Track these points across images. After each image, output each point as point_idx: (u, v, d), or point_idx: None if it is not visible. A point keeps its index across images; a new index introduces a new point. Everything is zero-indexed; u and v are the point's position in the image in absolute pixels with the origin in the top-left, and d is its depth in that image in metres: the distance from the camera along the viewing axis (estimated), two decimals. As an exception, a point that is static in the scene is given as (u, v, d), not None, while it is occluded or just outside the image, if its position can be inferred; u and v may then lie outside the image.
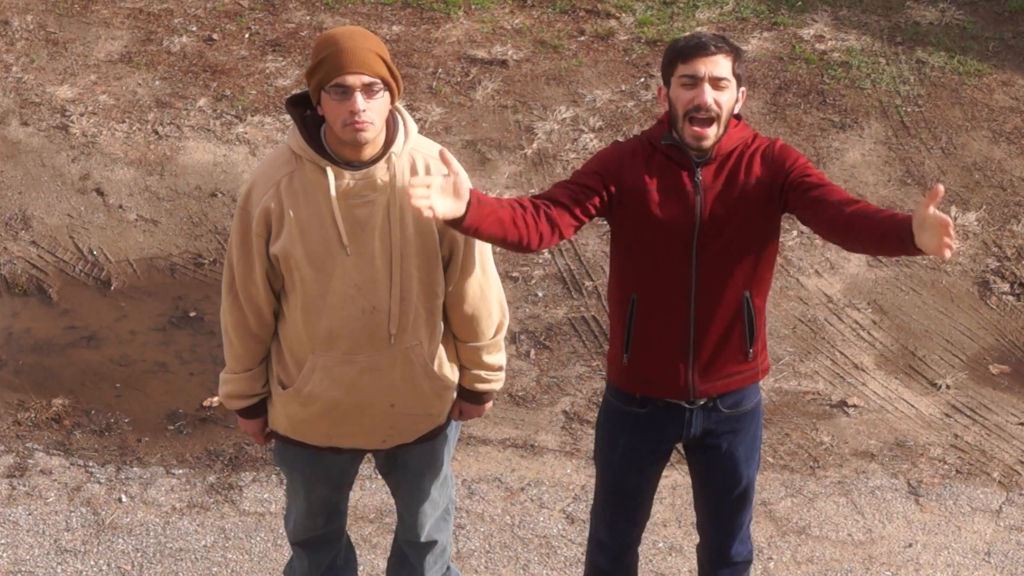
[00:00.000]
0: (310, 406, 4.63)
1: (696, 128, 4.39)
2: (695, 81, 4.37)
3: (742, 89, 4.48)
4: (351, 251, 4.42)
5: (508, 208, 4.32)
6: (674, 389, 4.64)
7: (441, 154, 4.21)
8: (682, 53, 4.40)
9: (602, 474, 4.89)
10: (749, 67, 9.16)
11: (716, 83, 4.37)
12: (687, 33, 4.47)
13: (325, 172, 4.37)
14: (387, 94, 4.33)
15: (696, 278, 4.51)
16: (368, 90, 4.27)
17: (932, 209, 3.99)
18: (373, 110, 4.29)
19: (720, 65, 4.37)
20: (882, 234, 4.18)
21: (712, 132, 4.40)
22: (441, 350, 4.66)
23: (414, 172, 4.44)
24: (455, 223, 4.20)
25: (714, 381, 4.64)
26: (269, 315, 4.58)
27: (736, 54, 4.43)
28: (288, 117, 6.88)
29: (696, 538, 5.12)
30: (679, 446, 4.85)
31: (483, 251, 4.59)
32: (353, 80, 4.25)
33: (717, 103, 4.38)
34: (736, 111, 4.49)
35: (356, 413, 4.64)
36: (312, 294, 4.48)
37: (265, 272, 4.50)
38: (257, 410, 4.75)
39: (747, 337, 4.61)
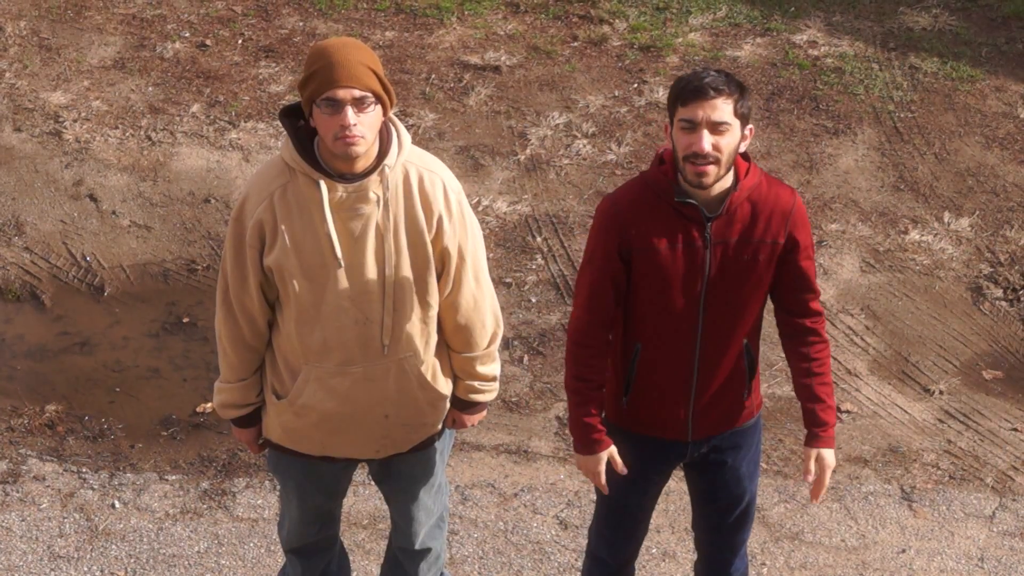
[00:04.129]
0: (304, 416, 4.62)
1: (697, 167, 4.30)
2: (693, 126, 4.28)
3: (749, 127, 4.38)
4: (344, 263, 4.42)
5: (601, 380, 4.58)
6: (671, 431, 4.64)
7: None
8: (681, 96, 4.30)
9: (603, 493, 4.86)
10: (742, 73, 9.16)
11: (715, 128, 4.27)
12: (695, 71, 4.42)
13: (318, 185, 4.36)
14: (379, 107, 4.31)
15: (703, 330, 4.49)
16: (359, 104, 4.26)
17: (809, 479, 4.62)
18: (364, 124, 4.27)
19: (719, 109, 4.26)
20: (797, 390, 4.64)
21: (713, 171, 4.31)
22: (435, 360, 4.66)
23: (407, 184, 4.43)
24: None
25: (712, 423, 4.65)
26: (263, 325, 4.58)
27: (739, 94, 4.31)
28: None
29: (689, 543, 5.12)
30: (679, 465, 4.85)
31: (477, 261, 4.58)
32: (343, 94, 4.24)
33: (716, 147, 4.28)
34: (742, 149, 4.39)
35: (350, 423, 4.63)
36: (306, 305, 4.47)
37: (259, 283, 4.49)
38: (251, 419, 4.75)
39: (746, 381, 4.62)
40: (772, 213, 4.43)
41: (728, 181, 4.40)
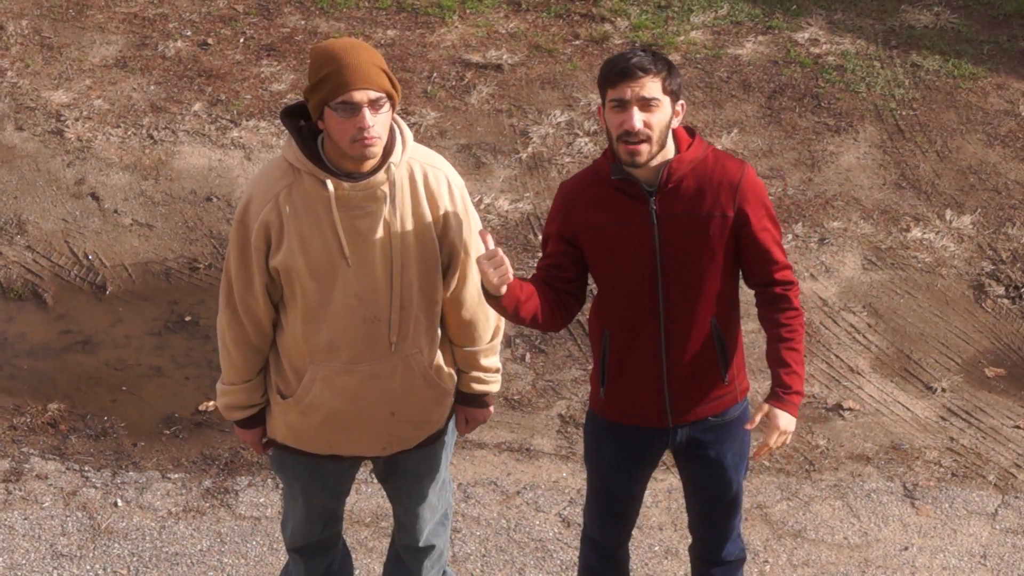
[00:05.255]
0: (311, 415, 4.62)
1: (629, 147, 4.36)
2: (624, 105, 4.35)
3: (680, 103, 4.44)
4: (352, 261, 4.41)
5: (539, 296, 4.45)
6: (651, 418, 4.65)
7: (482, 235, 4.26)
8: (609, 78, 4.38)
9: (591, 477, 4.92)
10: (744, 71, 9.16)
11: (645, 104, 4.34)
12: (622, 52, 4.47)
13: (324, 184, 4.36)
14: (389, 106, 4.32)
15: (664, 309, 4.51)
16: (374, 105, 4.25)
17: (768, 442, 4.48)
18: (379, 124, 4.28)
19: (647, 87, 4.33)
20: (767, 357, 4.56)
21: (645, 149, 4.37)
22: (440, 356, 4.66)
23: (412, 181, 4.44)
24: (493, 300, 4.35)
25: (692, 408, 4.65)
26: (268, 327, 4.57)
27: (668, 72, 4.38)
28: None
29: (690, 540, 5.13)
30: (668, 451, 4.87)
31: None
32: (360, 96, 4.23)
33: (648, 125, 4.34)
34: (674, 125, 4.45)
35: (357, 421, 4.63)
36: (313, 305, 4.47)
37: (264, 285, 4.48)
38: (256, 420, 4.74)
39: (721, 363, 4.61)
40: (719, 186, 4.45)
41: (668, 155, 4.45)
